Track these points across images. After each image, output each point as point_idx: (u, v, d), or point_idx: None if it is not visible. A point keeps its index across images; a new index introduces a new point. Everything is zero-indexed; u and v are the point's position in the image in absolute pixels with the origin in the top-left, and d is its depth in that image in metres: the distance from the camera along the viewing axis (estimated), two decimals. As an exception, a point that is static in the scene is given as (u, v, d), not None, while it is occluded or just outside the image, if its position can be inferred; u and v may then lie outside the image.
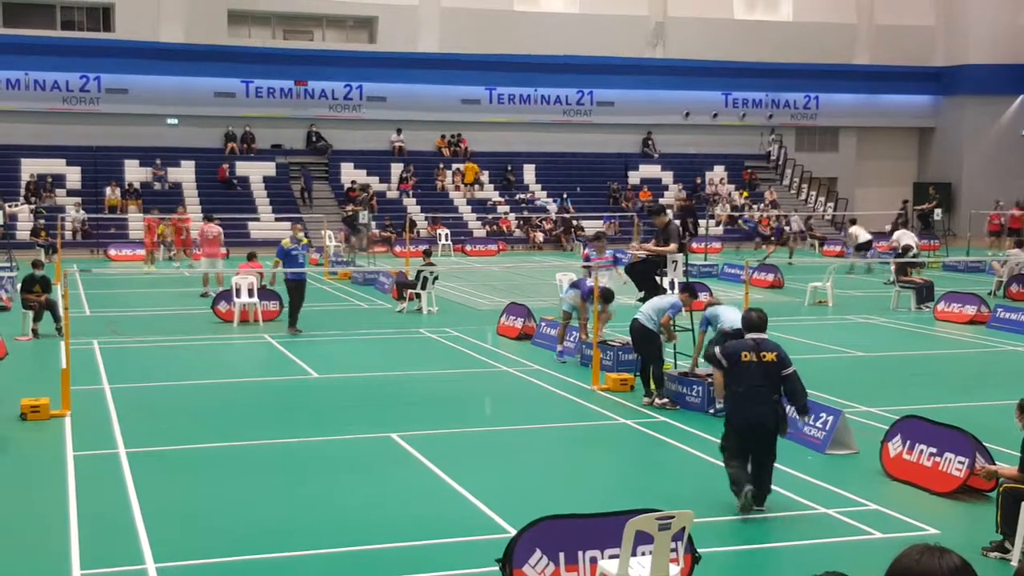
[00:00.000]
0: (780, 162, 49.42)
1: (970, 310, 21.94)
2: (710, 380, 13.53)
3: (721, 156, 48.64)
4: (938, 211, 40.30)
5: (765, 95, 48.87)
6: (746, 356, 9.56)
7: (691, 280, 17.11)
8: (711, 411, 13.36)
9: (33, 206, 37.44)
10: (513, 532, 8.11)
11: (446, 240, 39.04)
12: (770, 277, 28.14)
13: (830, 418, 11.84)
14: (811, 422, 11.92)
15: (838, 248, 39.19)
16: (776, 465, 9.82)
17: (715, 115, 48.47)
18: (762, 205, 45.81)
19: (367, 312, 23.50)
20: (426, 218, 41.73)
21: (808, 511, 9.76)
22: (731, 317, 13.28)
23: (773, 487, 9.77)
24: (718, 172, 48.06)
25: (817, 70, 48.40)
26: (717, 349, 10.21)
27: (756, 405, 9.47)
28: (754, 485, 9.45)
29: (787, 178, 49.07)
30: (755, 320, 9.86)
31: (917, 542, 3.58)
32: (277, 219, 40.56)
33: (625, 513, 7.42)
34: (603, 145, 47.29)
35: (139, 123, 41.78)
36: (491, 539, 8.68)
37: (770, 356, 9.55)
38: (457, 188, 44.53)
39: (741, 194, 46.82)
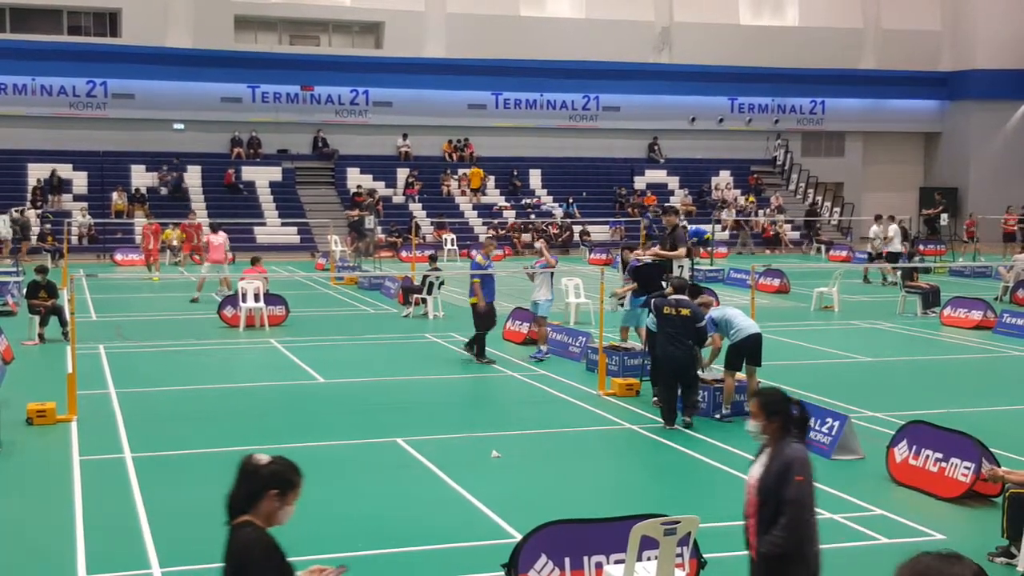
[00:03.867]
0: (786, 167, 49.40)
1: (976, 315, 21.90)
2: (718, 385, 13.56)
3: (727, 161, 48.63)
4: (944, 216, 40.24)
5: (771, 100, 48.87)
6: (667, 309, 12.91)
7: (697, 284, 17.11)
8: (717, 416, 13.35)
9: (40, 211, 37.50)
10: (519, 537, 8.11)
11: (452, 245, 39.07)
12: (776, 282, 28.12)
13: (836, 423, 11.82)
14: (817, 427, 11.89)
15: (844, 253, 39.18)
16: None
17: (721, 120, 48.46)
18: (768, 210, 45.81)
19: (373, 317, 23.52)
20: (432, 223, 41.76)
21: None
22: (745, 324, 13.28)
23: None
24: (724, 177, 48.05)
25: (823, 75, 48.39)
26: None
27: (673, 347, 12.76)
28: (685, 403, 13.00)
29: (793, 183, 49.04)
30: (678, 284, 13.49)
31: (923, 547, 3.56)
32: (283, 224, 40.64)
33: (631, 518, 7.42)
34: (609, 150, 47.31)
35: (145, 128, 41.88)
36: (497, 544, 8.68)
37: (685, 311, 12.80)
38: (463, 193, 44.55)
39: (747, 199, 46.80)
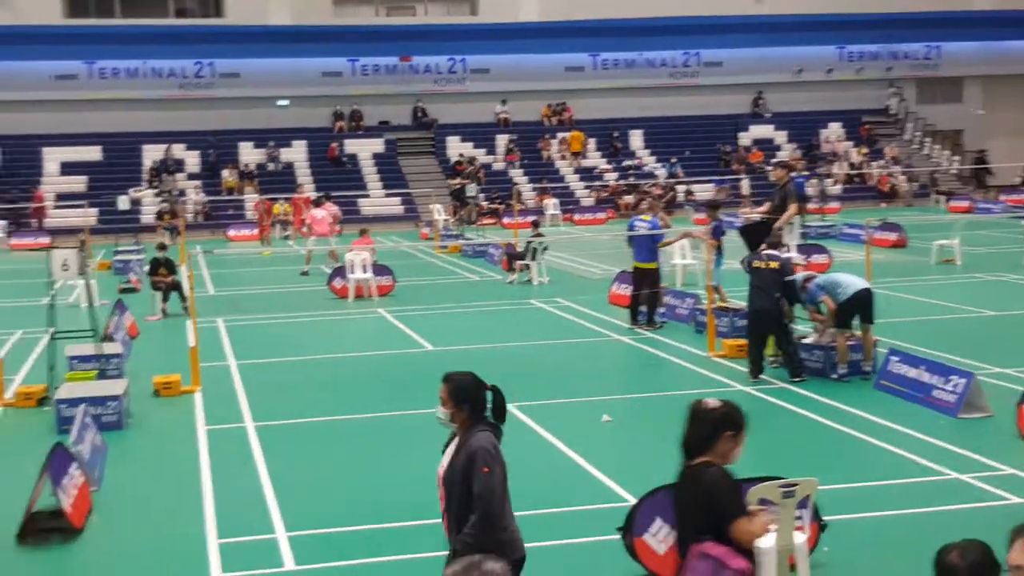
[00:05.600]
0: (900, 116, 47.86)
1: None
2: (833, 343, 13.27)
3: (837, 113, 47.31)
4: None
5: (882, 47, 47.28)
6: (757, 263, 13.13)
7: (808, 242, 16.76)
8: (833, 376, 13.06)
9: (156, 191, 38.62)
10: (632, 501, 8.08)
11: (554, 210, 38.98)
12: (893, 236, 27.31)
13: (962, 381, 11.45)
14: (941, 385, 11.57)
15: (966, 204, 37.85)
16: (907, 430, 10.21)
17: (829, 70, 47.14)
18: (882, 161, 44.52)
19: (478, 284, 23.64)
20: (533, 188, 41.71)
21: (940, 476, 9.49)
22: (849, 281, 13.05)
23: (904, 452, 9.94)
24: (834, 129, 46.80)
25: (937, 18, 46.53)
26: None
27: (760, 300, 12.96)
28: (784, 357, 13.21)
29: (908, 132, 47.51)
30: (773, 240, 13.84)
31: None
32: (387, 195, 41.08)
33: (747, 481, 7.31)
34: (712, 107, 46.43)
35: (252, 106, 42.68)
36: (610, 507, 8.67)
37: (774, 264, 12.98)
38: (563, 157, 44.35)
39: (859, 151, 45.54)
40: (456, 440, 5.52)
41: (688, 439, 5.14)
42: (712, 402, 5.19)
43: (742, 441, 5.15)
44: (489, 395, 5.56)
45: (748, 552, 4.94)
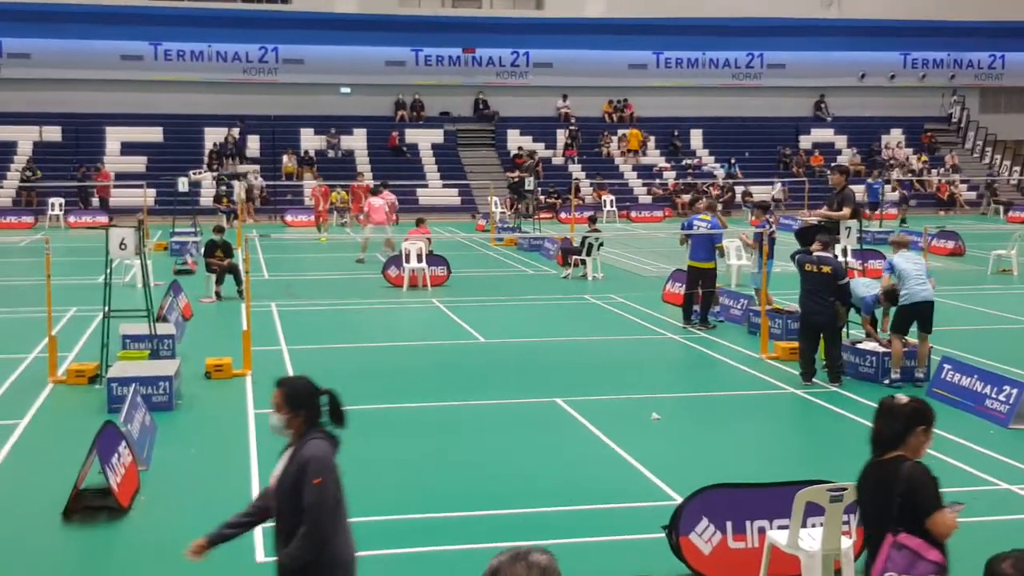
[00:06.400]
0: (962, 124, 47.12)
1: None
2: (886, 350, 13.12)
3: (898, 119, 46.71)
4: None
5: (947, 54, 46.62)
6: (809, 266, 12.90)
7: (864, 248, 16.55)
8: (886, 381, 12.92)
9: (215, 173, 39.12)
10: (679, 500, 8.08)
11: (611, 206, 38.89)
12: (950, 244, 26.96)
13: (1014, 391, 11.31)
14: (994, 395, 11.42)
15: (1025, 214, 37.23)
16: (957, 439, 10.05)
17: (892, 76, 46.55)
18: (942, 169, 43.85)
19: (533, 278, 23.67)
20: (591, 184, 41.64)
21: (990, 487, 9.38)
22: (916, 289, 12.83)
23: (954, 461, 9.79)
24: (895, 136, 46.22)
25: (1002, 28, 45.82)
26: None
27: (813, 303, 12.84)
28: (828, 362, 13.02)
29: (969, 141, 46.77)
30: (824, 241, 13.23)
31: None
32: (445, 186, 41.23)
33: (795, 484, 7.28)
34: (773, 109, 46.07)
35: (314, 92, 43.05)
36: (657, 506, 8.66)
37: (826, 268, 12.73)
38: (623, 154, 44.23)
39: (920, 158, 44.91)
40: (290, 449, 5.23)
41: (879, 434, 5.30)
42: (902, 398, 5.34)
43: (931, 436, 5.27)
44: (325, 400, 5.30)
45: (941, 545, 5.08)
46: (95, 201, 38.18)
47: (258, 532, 8.86)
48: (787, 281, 17.75)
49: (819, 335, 13.09)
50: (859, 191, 35.02)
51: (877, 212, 35.21)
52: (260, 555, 8.01)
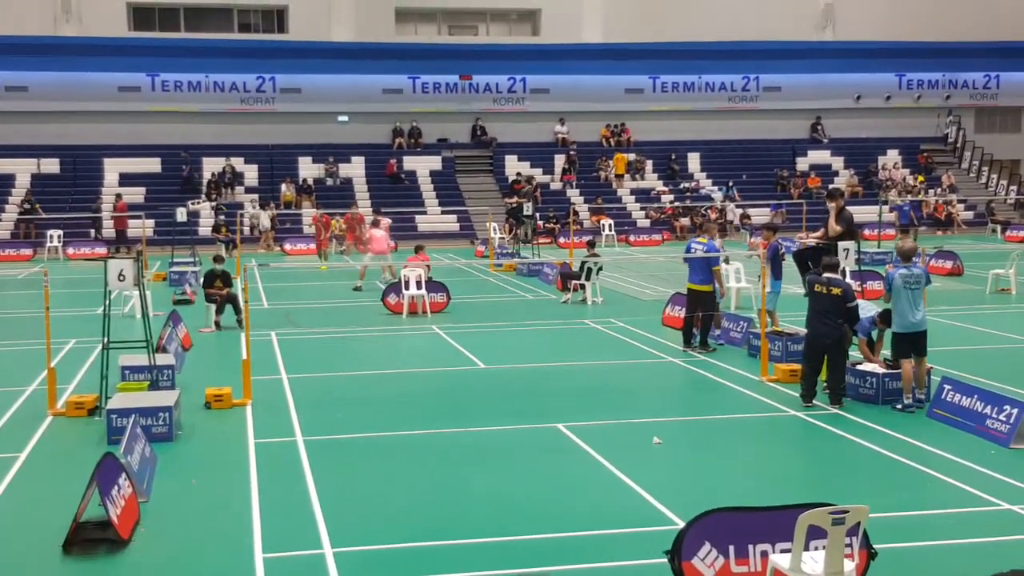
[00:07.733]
0: (958, 144, 47.30)
1: None
2: (895, 371, 13.05)
3: (895, 140, 46.94)
4: None
5: (942, 75, 46.90)
6: (819, 287, 12.88)
7: (863, 269, 16.59)
8: (898, 407, 12.80)
9: (214, 203, 39.19)
10: (681, 524, 8.05)
11: (610, 230, 38.95)
12: (948, 264, 27.01)
13: (1014, 411, 11.30)
14: (994, 415, 11.41)
15: (1022, 234, 37.30)
16: (958, 459, 10.02)
17: (888, 97, 46.80)
18: (939, 189, 43.97)
19: (532, 303, 23.68)
20: (589, 208, 41.73)
21: (991, 507, 9.35)
22: (906, 319, 12.86)
23: (955, 482, 9.78)
24: (892, 156, 46.39)
25: (997, 48, 46.14)
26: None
27: (822, 325, 12.80)
28: (829, 385, 13.02)
29: (966, 161, 46.95)
30: (830, 263, 13.34)
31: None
32: (443, 212, 41.32)
33: (797, 507, 7.27)
34: (770, 131, 46.30)
35: (311, 121, 43.22)
36: (659, 531, 8.64)
37: (836, 291, 12.70)
38: (616, 177, 44.35)
39: (917, 179, 45.04)
40: None
41: None
42: None
43: None
44: None
45: None
46: (111, 233, 37.92)
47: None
48: (794, 303, 17.75)
49: (823, 357, 13.07)
50: (886, 214, 35.15)
51: (907, 233, 35.48)
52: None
